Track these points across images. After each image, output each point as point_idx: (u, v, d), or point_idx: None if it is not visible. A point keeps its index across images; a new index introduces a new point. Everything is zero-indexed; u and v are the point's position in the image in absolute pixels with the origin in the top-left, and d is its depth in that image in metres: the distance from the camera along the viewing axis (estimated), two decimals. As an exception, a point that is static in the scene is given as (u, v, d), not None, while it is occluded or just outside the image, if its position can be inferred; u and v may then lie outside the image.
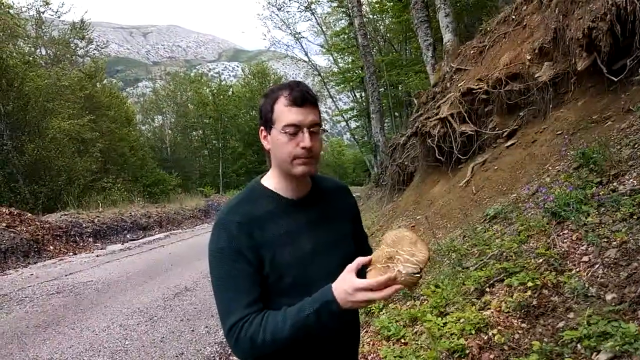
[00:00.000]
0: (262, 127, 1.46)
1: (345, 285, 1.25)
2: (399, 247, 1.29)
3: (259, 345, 1.28)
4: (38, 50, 22.48)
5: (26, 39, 20.88)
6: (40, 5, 21.43)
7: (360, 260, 1.29)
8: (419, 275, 1.25)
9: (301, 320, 1.27)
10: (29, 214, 12.51)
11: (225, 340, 4.92)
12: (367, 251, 1.75)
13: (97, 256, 11.21)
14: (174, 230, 17.77)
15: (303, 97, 1.38)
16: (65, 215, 14.15)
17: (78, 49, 25.25)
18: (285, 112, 1.37)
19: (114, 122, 26.27)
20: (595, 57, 5.19)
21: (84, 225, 13.86)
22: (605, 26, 4.93)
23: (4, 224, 10.85)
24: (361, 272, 1.29)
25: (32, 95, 17.14)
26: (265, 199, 1.47)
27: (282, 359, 1.40)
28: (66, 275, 8.65)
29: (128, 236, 15.10)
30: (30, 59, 19.34)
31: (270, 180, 1.51)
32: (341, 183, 1.75)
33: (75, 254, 11.70)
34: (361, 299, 1.23)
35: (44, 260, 10.61)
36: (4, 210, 11.61)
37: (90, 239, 13.57)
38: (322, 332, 1.32)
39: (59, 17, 23.04)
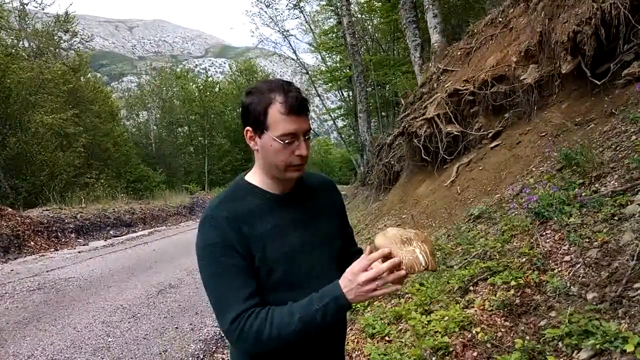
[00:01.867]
0: (248, 128, 1.41)
1: (347, 274, 1.28)
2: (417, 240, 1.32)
3: (264, 339, 1.28)
4: (21, 43, 22.11)
5: (9, 30, 20.50)
6: (24, -3, 21.11)
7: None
8: (423, 267, 1.27)
9: (309, 316, 1.27)
10: (9, 209, 12.27)
11: (209, 337, 4.93)
12: (354, 246, 1.78)
13: (80, 252, 11.07)
14: (158, 227, 17.59)
15: (300, 104, 1.35)
16: (47, 210, 13.94)
17: (62, 42, 24.83)
18: (281, 121, 1.33)
19: (98, 117, 25.90)
20: (579, 60, 5.27)
21: (66, 221, 13.66)
22: (590, 30, 5.01)
23: (-16, 219, 10.68)
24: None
25: (14, 88, 16.82)
26: (251, 196, 1.46)
27: (272, 355, 1.40)
28: (47, 272, 8.52)
29: (111, 232, 14.93)
30: (13, 51, 19.02)
31: (255, 177, 1.50)
32: (327, 179, 1.74)
33: (57, 250, 11.53)
34: (363, 280, 1.25)
35: (25, 256, 10.45)
36: (-17, 205, 11.42)
37: (73, 235, 13.38)
38: (327, 328, 1.33)
39: (42, 9, 22.70)
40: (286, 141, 1.34)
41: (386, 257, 1.27)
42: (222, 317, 1.34)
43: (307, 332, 1.29)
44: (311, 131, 1.43)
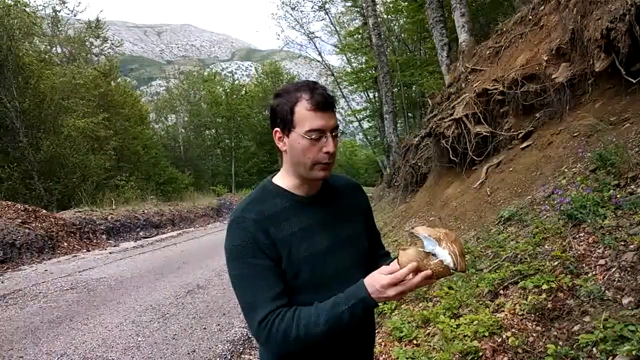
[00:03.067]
0: (277, 129, 1.42)
1: (375, 283, 1.28)
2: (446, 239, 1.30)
3: (292, 340, 1.29)
4: (54, 49, 22.80)
5: (42, 37, 21.15)
6: (57, 4, 21.74)
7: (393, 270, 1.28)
8: (453, 270, 1.26)
9: (336, 316, 1.28)
10: (44, 211, 12.66)
11: (236, 338, 4.96)
12: (381, 248, 1.76)
13: (110, 253, 11.32)
14: (186, 228, 17.86)
15: (325, 100, 1.36)
16: (79, 212, 14.32)
17: (93, 47, 25.57)
18: (308, 117, 1.34)
19: (128, 120, 26.50)
20: (613, 58, 5.12)
21: (97, 222, 14.00)
22: (624, 27, 4.86)
23: (19, 220, 11.00)
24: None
25: (47, 93, 17.32)
26: (278, 198, 1.47)
27: (302, 356, 1.41)
28: (80, 272, 8.73)
29: (141, 234, 15.22)
30: (46, 57, 19.58)
31: (283, 179, 1.51)
32: (353, 180, 1.74)
33: (89, 250, 11.82)
34: (393, 294, 1.26)
35: (58, 257, 10.73)
36: (19, 207, 11.77)
37: (104, 236, 13.70)
38: (354, 328, 1.35)
39: (74, 15, 23.39)
40: (313, 137, 1.34)
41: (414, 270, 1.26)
42: (250, 318, 1.35)
43: (333, 333, 1.30)
44: (339, 129, 1.43)
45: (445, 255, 1.25)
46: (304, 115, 1.34)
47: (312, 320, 1.29)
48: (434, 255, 1.26)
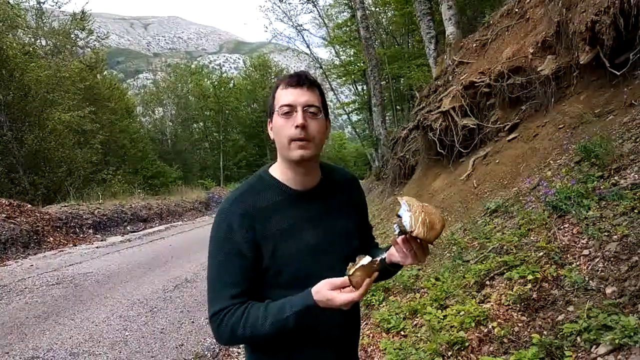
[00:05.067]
0: (269, 119, 1.47)
1: (321, 297, 1.27)
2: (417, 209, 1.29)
3: (238, 336, 1.33)
4: (38, 41, 22.38)
5: (26, 29, 20.75)
6: (40, -4, 21.35)
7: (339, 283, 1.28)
8: (409, 232, 1.26)
9: (281, 321, 1.30)
10: (29, 205, 12.48)
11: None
12: (372, 240, 1.76)
13: (97, 248, 11.21)
14: (174, 222, 17.77)
15: (299, 78, 1.39)
16: (65, 206, 14.14)
17: (78, 39, 25.07)
18: (282, 95, 1.40)
19: (115, 113, 26.19)
20: (598, 50, 5.16)
21: (84, 217, 13.86)
22: (609, 20, 4.90)
23: (4, 215, 10.84)
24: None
25: (32, 86, 17.01)
26: (271, 190, 1.46)
27: (282, 349, 1.43)
28: (66, 267, 8.65)
29: (128, 228, 15.10)
30: (31, 49, 19.25)
31: (278, 171, 1.49)
32: (350, 175, 1.70)
33: (75, 245, 11.70)
34: (340, 304, 1.25)
35: (44, 252, 10.61)
36: (3, 202, 11.59)
37: (90, 231, 13.57)
38: (303, 331, 1.36)
39: (59, 7, 22.94)
40: (283, 112, 1.37)
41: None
42: (209, 308, 1.40)
43: (279, 334, 1.32)
44: (321, 110, 1.42)
45: (406, 217, 1.26)
46: (279, 94, 1.41)
47: (259, 322, 1.31)
48: (399, 217, 1.29)
